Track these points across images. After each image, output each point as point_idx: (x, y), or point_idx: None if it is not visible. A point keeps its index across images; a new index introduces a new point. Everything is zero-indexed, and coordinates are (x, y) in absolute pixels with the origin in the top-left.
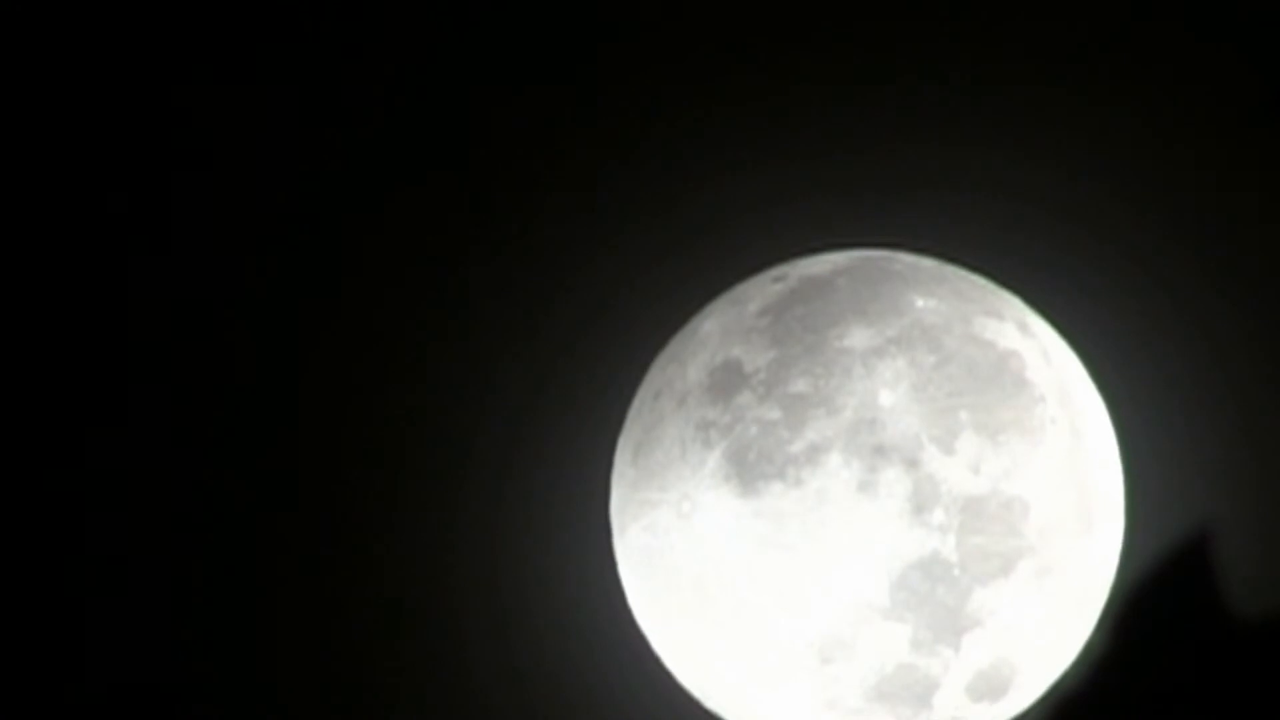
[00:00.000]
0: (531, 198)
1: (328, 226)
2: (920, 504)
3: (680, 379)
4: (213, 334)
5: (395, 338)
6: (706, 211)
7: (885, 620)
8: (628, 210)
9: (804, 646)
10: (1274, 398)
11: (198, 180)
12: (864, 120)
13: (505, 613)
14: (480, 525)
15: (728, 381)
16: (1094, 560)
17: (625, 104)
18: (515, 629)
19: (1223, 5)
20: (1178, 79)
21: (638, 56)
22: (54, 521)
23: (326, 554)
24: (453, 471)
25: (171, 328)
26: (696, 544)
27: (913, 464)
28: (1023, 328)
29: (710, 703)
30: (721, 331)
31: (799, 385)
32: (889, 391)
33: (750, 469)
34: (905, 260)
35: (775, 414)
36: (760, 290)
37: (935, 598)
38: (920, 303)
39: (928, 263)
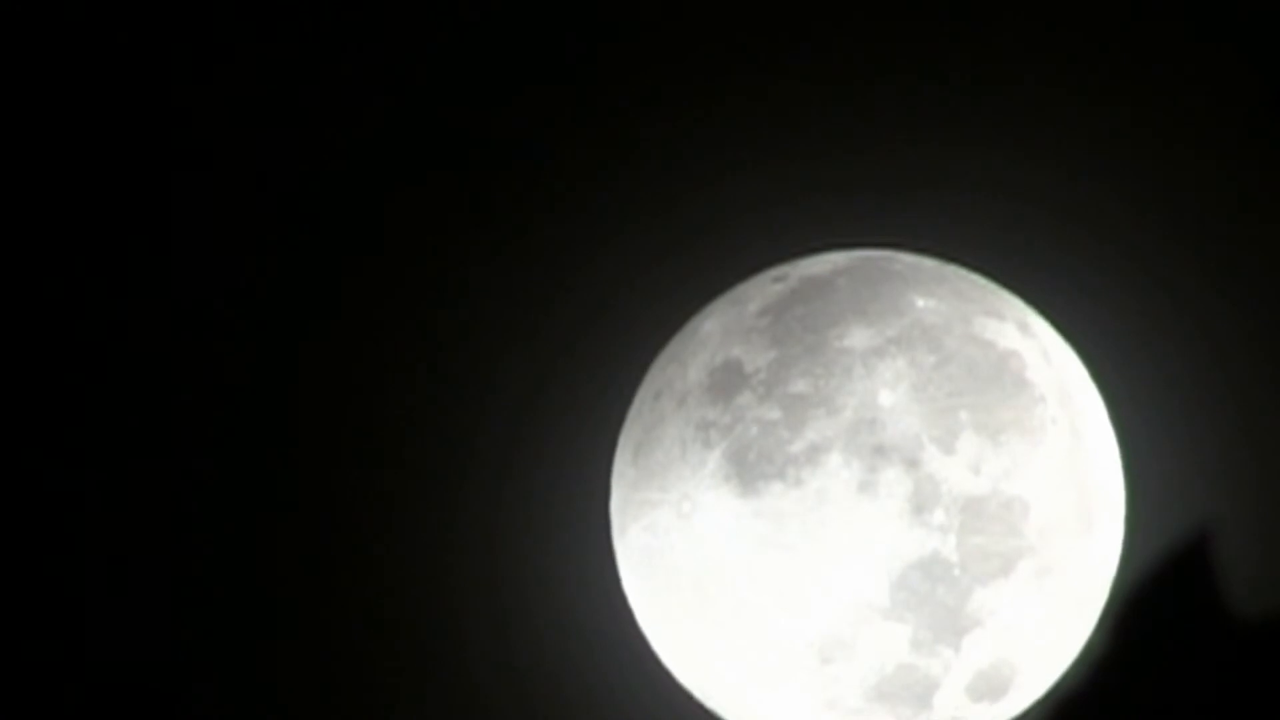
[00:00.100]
0: (531, 198)
1: (327, 226)
2: (920, 504)
3: (680, 379)
4: (212, 334)
5: (395, 338)
6: (706, 211)
7: (885, 620)
8: (628, 210)
9: (804, 646)
10: (1274, 398)
11: (198, 180)
12: (864, 120)
13: (505, 613)
14: (480, 525)
15: (728, 382)
16: (1094, 560)
17: (625, 104)
18: (515, 629)
19: (1223, 5)
20: (1178, 79)
21: (638, 56)
22: (54, 521)
23: (326, 554)
24: (453, 471)
25: (171, 327)
26: (697, 544)
27: (913, 464)
28: (1023, 328)
29: (710, 703)
30: (722, 331)
31: (799, 385)
32: (889, 391)
33: (750, 469)
34: (905, 260)
35: (775, 414)
36: (760, 290)
37: (935, 598)
38: (920, 303)
39: (928, 263)
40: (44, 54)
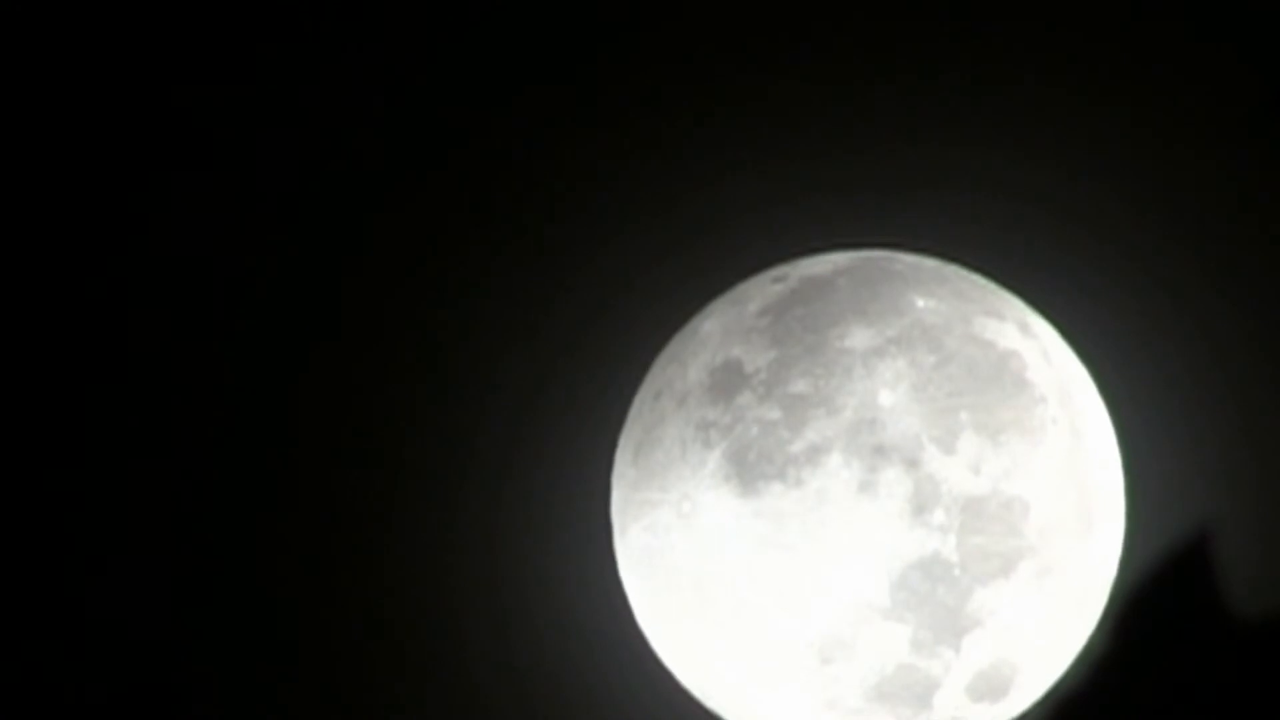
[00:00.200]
0: (531, 198)
1: (328, 226)
2: (920, 504)
3: (681, 379)
4: (212, 334)
5: (395, 338)
6: (706, 211)
7: (885, 620)
8: (628, 210)
9: (804, 646)
10: (1274, 398)
11: (198, 180)
12: (864, 120)
13: (505, 613)
14: (480, 525)
15: (728, 382)
16: (1094, 560)
17: (625, 104)
18: (515, 629)
19: (1223, 5)
20: (1178, 79)
21: (638, 56)
22: (54, 521)
23: (326, 554)
24: (453, 471)
25: (171, 327)
26: (697, 544)
27: (913, 464)
28: (1023, 328)
29: (710, 703)
30: (722, 331)
31: (799, 385)
32: (889, 391)
33: (750, 469)
34: (906, 260)
35: (775, 414)
36: (760, 290)
37: (935, 598)
38: (921, 303)
39: (928, 263)
40: (44, 54)
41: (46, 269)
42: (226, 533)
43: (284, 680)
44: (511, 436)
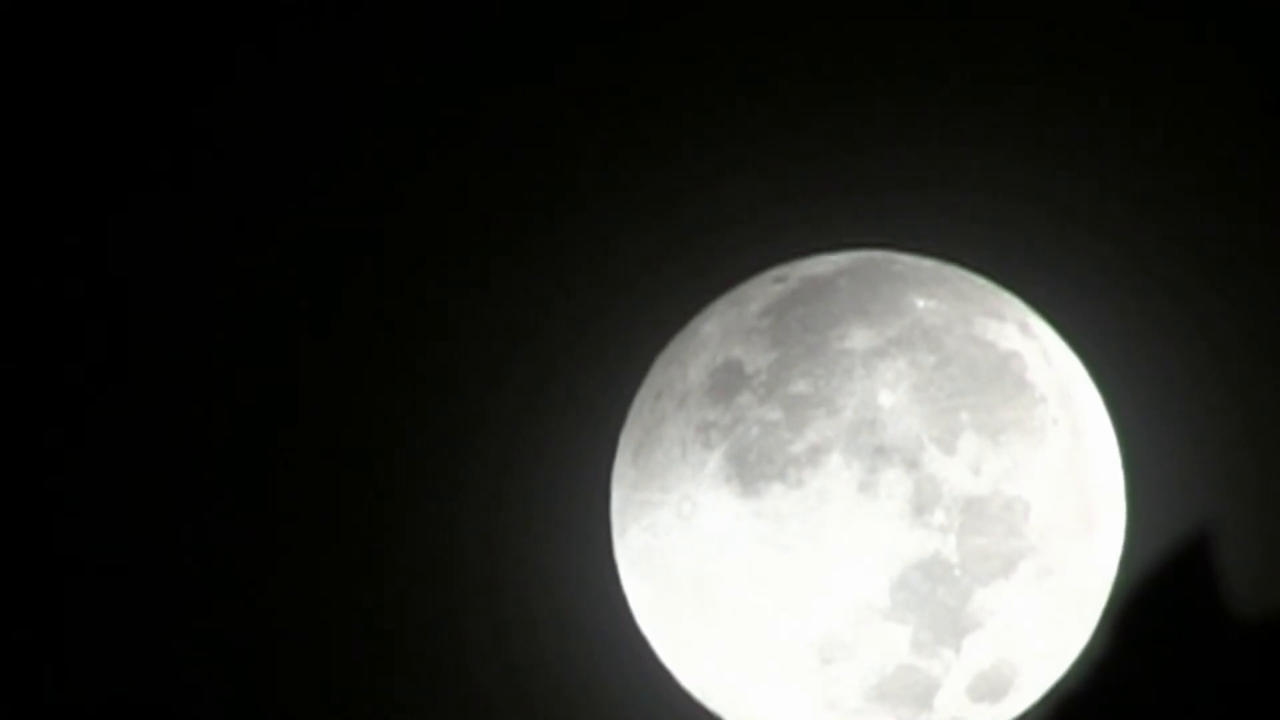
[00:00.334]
0: (531, 198)
1: (328, 226)
2: (921, 505)
3: (681, 380)
4: (212, 335)
5: (395, 338)
6: (706, 211)
7: (886, 621)
8: (628, 210)
9: (804, 647)
10: (1274, 398)
11: (198, 179)
12: (864, 120)
13: (505, 613)
14: (480, 525)
15: (728, 382)
16: (1094, 561)
17: (626, 104)
18: (515, 629)
19: (1223, 5)
20: (1178, 79)
21: (638, 56)
22: (52, 521)
23: (326, 555)
24: (453, 471)
25: (171, 327)
26: (697, 545)
27: (913, 465)
28: (1024, 328)
29: (710, 703)
30: (722, 332)
31: (800, 386)
32: (889, 392)
33: (751, 470)
34: (906, 260)
35: (776, 415)
36: (761, 291)
37: (936, 598)
38: (921, 303)
39: (928, 263)
40: (44, 54)
41: (45, 269)
42: (225, 533)
43: (284, 681)
44: (511, 436)
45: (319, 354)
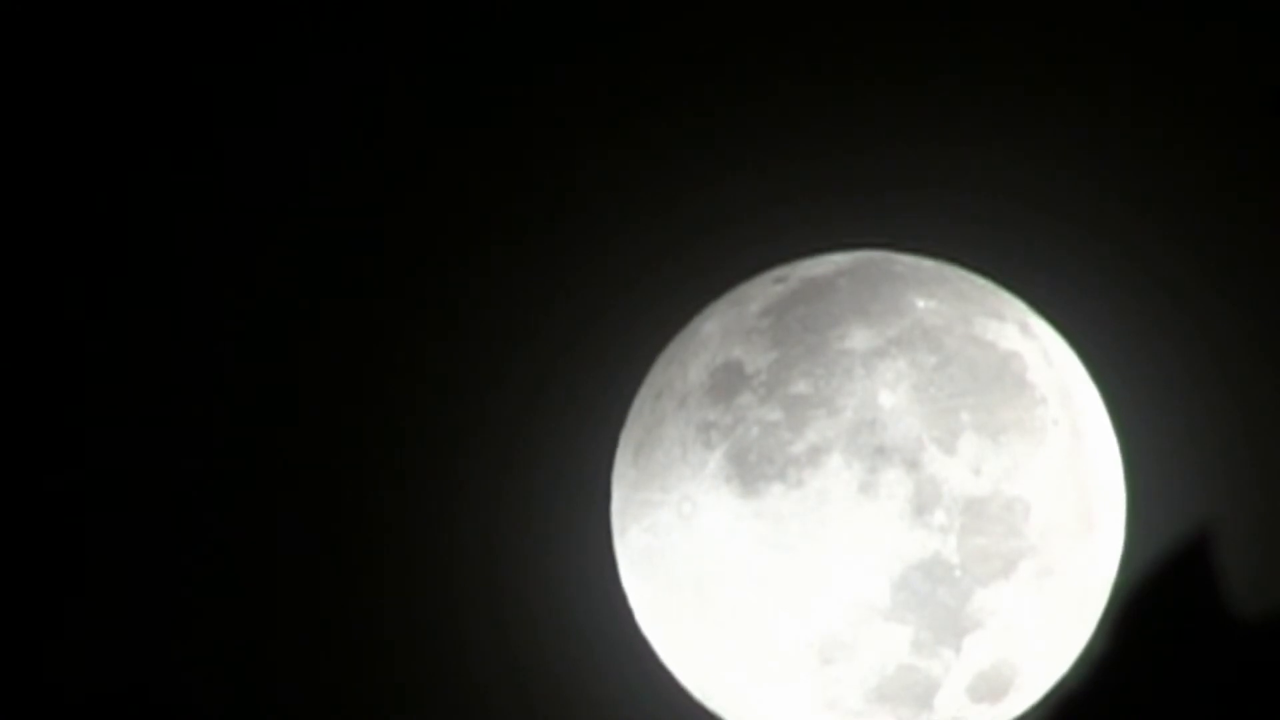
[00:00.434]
0: (531, 198)
1: (328, 226)
2: (921, 505)
3: (681, 380)
4: (211, 334)
5: (395, 338)
6: (706, 211)
7: (886, 621)
8: (628, 210)
9: (805, 647)
10: (1274, 398)
11: (199, 178)
12: (864, 120)
13: (505, 613)
14: (480, 525)
15: (729, 382)
16: (1095, 561)
17: (625, 104)
18: (515, 629)
19: (1223, 5)
20: (1178, 79)
21: (638, 56)
22: (53, 522)
23: (326, 555)
24: (453, 471)
25: (171, 326)
26: (697, 545)
27: (914, 465)
28: (1024, 329)
29: (711, 703)
30: (722, 332)
31: (800, 386)
32: (890, 392)
33: (751, 470)
34: (906, 261)
35: (776, 415)
36: (761, 291)
37: (936, 599)
38: (921, 303)
39: (928, 263)
40: (44, 52)
41: (45, 268)
42: (225, 533)
43: (284, 681)
44: (511, 436)
45: (319, 354)
